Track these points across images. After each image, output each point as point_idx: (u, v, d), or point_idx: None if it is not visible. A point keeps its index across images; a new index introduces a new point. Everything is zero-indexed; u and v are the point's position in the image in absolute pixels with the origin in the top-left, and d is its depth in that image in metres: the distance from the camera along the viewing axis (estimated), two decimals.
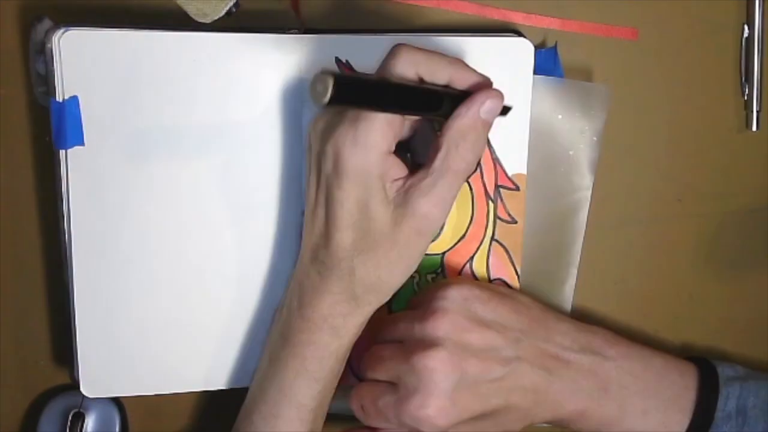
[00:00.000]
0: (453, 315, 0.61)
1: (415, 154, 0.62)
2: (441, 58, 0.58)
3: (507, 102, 0.60)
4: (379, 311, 0.66)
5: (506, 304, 0.63)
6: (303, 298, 0.60)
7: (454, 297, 0.62)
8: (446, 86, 0.59)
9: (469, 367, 0.60)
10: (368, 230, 0.58)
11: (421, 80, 0.58)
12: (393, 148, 0.58)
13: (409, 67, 0.57)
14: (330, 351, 0.61)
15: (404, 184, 0.59)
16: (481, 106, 0.58)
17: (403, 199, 0.58)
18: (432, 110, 0.58)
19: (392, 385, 0.61)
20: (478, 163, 0.66)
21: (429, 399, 0.60)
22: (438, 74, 0.58)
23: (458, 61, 0.59)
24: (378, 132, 0.56)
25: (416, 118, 0.60)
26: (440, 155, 0.58)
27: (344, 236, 0.58)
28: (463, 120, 0.58)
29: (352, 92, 0.54)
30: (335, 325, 0.60)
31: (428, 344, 0.60)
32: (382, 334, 0.64)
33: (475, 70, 0.59)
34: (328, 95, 0.51)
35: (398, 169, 0.59)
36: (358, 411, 0.64)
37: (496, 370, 0.61)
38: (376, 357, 0.63)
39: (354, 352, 0.63)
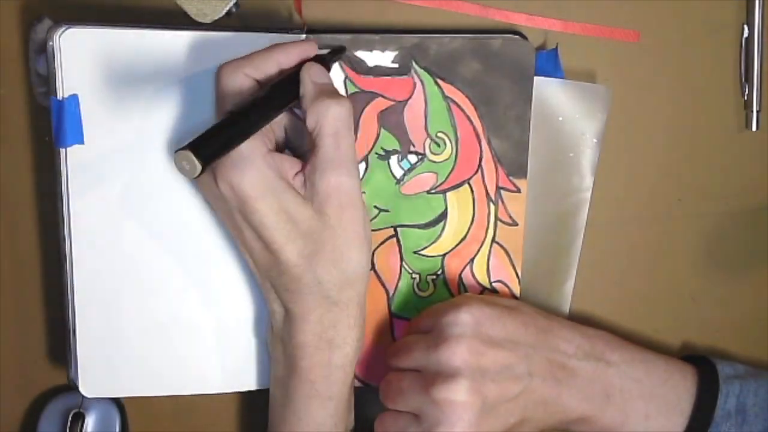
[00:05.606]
0: (468, 341, 0.60)
1: (297, 148, 0.63)
2: (259, 53, 0.60)
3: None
4: (377, 313, 0.66)
5: (514, 318, 0.63)
6: (291, 329, 0.61)
7: (467, 321, 0.61)
8: (280, 73, 0.60)
9: (489, 392, 0.60)
10: (304, 234, 0.59)
11: (258, 83, 0.59)
12: (272, 145, 0.60)
13: (238, 78, 0.59)
14: (334, 365, 0.61)
15: (304, 174, 0.59)
16: (311, 75, 0.60)
17: (311, 188, 0.59)
18: (283, 105, 0.59)
19: (415, 416, 0.61)
20: (479, 166, 0.66)
21: (454, 431, 0.60)
22: (266, 67, 0.60)
23: (274, 46, 0.60)
24: (246, 142, 0.57)
25: (280, 118, 0.61)
26: (311, 129, 0.59)
27: (288, 251, 0.59)
28: (309, 93, 0.59)
29: (215, 146, 0.54)
30: (330, 338, 0.60)
31: (447, 376, 0.60)
32: (396, 360, 0.63)
33: (291, 43, 0.61)
34: (198, 167, 0.53)
35: (292, 164, 0.60)
36: None
37: (512, 389, 0.61)
38: (395, 388, 0.62)
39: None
